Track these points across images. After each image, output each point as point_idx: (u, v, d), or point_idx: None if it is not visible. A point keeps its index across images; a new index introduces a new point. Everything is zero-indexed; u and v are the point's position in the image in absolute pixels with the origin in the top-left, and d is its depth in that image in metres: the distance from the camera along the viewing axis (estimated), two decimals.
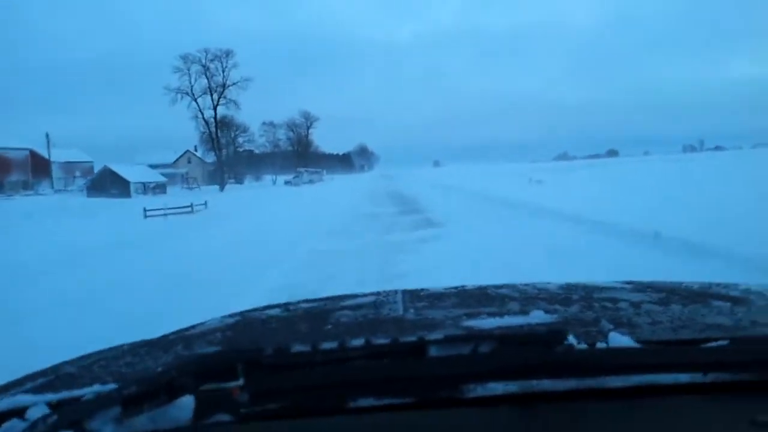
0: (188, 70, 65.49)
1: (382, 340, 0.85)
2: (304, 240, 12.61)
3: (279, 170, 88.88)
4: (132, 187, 53.39)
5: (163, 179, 60.07)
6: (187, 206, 26.60)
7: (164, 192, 57.07)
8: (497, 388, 0.84)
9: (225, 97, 67.65)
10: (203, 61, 66.22)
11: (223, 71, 67.41)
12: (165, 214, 24.73)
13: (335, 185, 58.42)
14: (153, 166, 72.43)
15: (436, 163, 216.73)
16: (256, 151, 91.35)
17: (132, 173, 55.20)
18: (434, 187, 39.68)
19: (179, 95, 64.91)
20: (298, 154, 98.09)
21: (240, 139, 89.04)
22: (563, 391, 0.83)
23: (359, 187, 49.33)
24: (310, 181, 72.84)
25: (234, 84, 67.42)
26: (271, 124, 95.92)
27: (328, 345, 0.83)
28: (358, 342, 0.84)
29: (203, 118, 67.42)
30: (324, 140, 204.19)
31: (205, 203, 28.81)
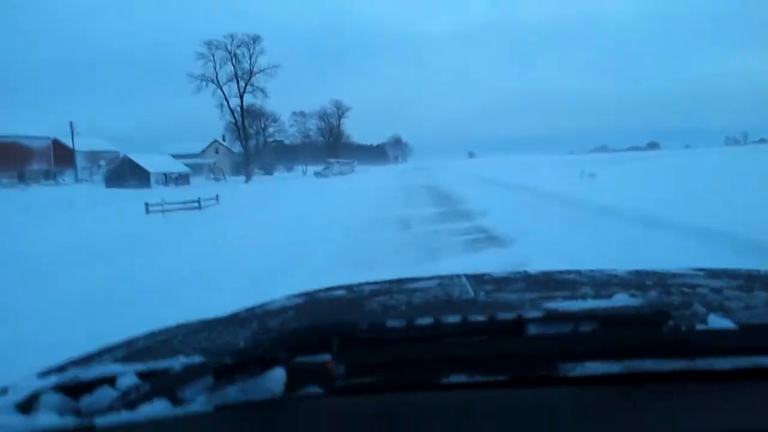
0: (213, 56, 62.35)
1: (479, 317, 0.84)
2: (310, 259, 8.86)
3: (310, 161, 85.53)
4: (152, 178, 50.53)
5: (186, 169, 57.07)
6: (194, 201, 23.20)
7: (187, 183, 54.28)
8: (598, 367, 0.81)
9: (252, 85, 64.55)
10: (229, 47, 63.02)
11: (250, 57, 64.24)
12: (164, 211, 21.38)
13: (367, 177, 54.64)
14: (179, 156, 69.89)
15: (471, 155, 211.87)
16: (287, 142, 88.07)
17: (153, 163, 52.34)
18: (476, 180, 35.70)
19: (204, 82, 61.89)
20: (329, 145, 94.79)
21: (270, 129, 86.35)
22: (670, 372, 0.81)
23: (392, 180, 45.49)
24: (341, 173, 69.27)
25: (261, 71, 64.17)
26: (302, 114, 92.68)
27: (423, 321, 0.83)
28: (454, 318, 0.83)
29: (229, 106, 64.17)
30: (358, 132, 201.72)
31: (217, 197, 25.38)
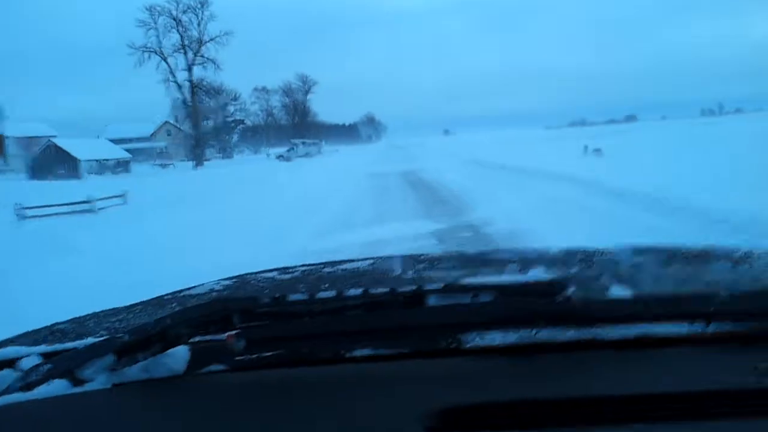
0: (155, 23, 54.35)
1: (379, 290, 0.85)
2: None
3: (276, 142, 78.39)
4: (83, 167, 43.40)
5: (126, 155, 49.92)
6: (84, 202, 16.77)
7: (127, 171, 47.40)
8: (496, 338, 0.83)
9: (202, 56, 56.48)
10: (174, 12, 55.06)
11: (199, 25, 56.26)
12: (44, 215, 15.06)
13: (335, 160, 48.34)
14: (127, 141, 62.49)
15: (446, 132, 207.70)
16: (248, 122, 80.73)
17: (84, 149, 45.02)
18: (463, 162, 29.62)
19: (147, 54, 53.74)
20: (295, 124, 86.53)
21: (231, 108, 79.08)
22: (562, 342, 0.83)
23: (363, 162, 39.28)
24: (307, 155, 62.53)
25: (212, 40, 56.22)
26: (264, 90, 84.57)
27: (325, 294, 0.84)
28: (355, 292, 0.84)
29: (175, 81, 56.01)
30: (330, 111, 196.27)
31: (124, 195, 18.89)
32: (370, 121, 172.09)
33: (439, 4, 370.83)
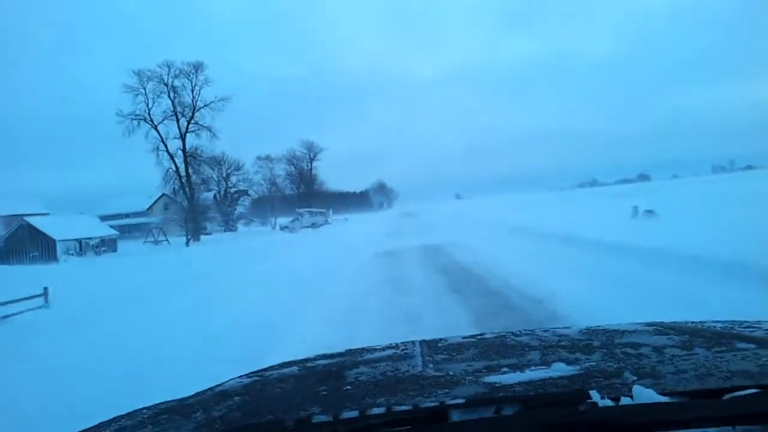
0: (144, 89, 50.18)
1: (403, 407, 0.87)
2: None
3: (283, 211, 73.88)
4: (59, 247, 38.65)
5: (112, 233, 44.81)
6: None
7: (113, 250, 42.46)
8: None
9: (196, 123, 52.50)
10: (165, 78, 50.89)
11: (192, 90, 52.26)
12: None
13: (342, 231, 43.59)
14: (121, 216, 58.01)
15: (458, 196, 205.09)
16: (251, 192, 76.46)
17: (62, 228, 40.02)
18: (494, 230, 24.85)
19: (136, 122, 49.53)
20: (301, 193, 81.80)
21: (233, 178, 75.13)
22: None
23: (373, 233, 34.51)
24: (313, 225, 57.92)
25: (206, 106, 52.18)
26: (267, 159, 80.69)
27: (348, 414, 0.85)
28: (378, 410, 0.86)
29: (167, 150, 51.40)
30: (340, 179, 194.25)
31: (45, 295, 13.77)
32: (381, 188, 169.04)
33: (448, 71, 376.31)
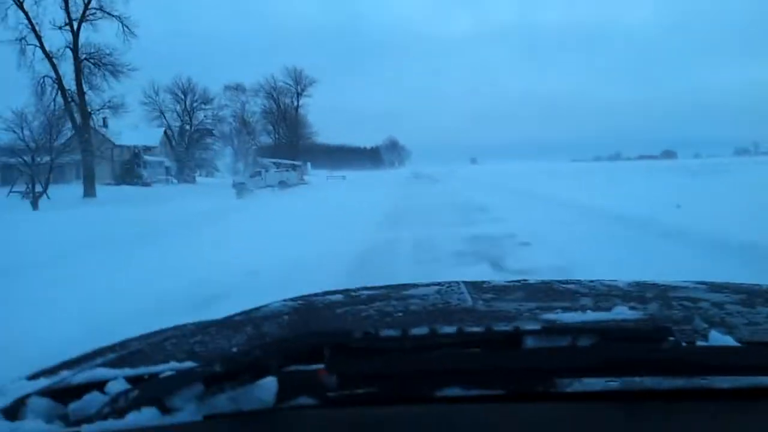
0: None
1: (475, 328, 0.82)
2: None
3: (259, 159, 56.60)
4: None
5: None
6: None
7: None
8: (597, 384, 0.80)
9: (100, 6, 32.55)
10: None
11: None
12: None
13: (324, 196, 26.56)
14: None
15: (473, 161, 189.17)
16: (217, 132, 58.76)
17: None
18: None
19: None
20: (278, 139, 60.95)
21: (200, 114, 57.90)
22: (670, 390, 0.80)
23: (369, 202, 19.58)
24: (281, 184, 41.01)
25: None
26: (238, 89, 61.38)
27: (418, 331, 0.81)
28: (450, 329, 0.81)
29: (41, 45, 31.55)
30: (352, 135, 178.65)
31: None
32: (393, 146, 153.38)
33: (478, 32, 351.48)
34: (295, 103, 63.03)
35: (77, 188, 33.86)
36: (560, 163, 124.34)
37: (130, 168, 47.85)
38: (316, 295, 1.58)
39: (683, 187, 21.52)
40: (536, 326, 0.81)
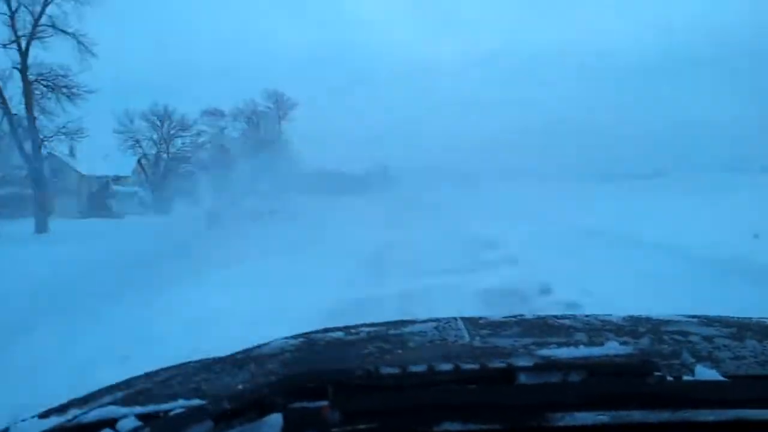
0: None
1: (471, 365, 0.86)
2: None
3: (239, 188, 53.02)
4: None
5: None
6: None
7: None
8: (587, 418, 0.83)
9: (51, 24, 28.55)
10: None
11: None
12: None
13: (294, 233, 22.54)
14: None
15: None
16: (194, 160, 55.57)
17: None
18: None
19: None
20: (259, 162, 57.77)
21: (178, 141, 54.85)
22: (656, 423, 0.83)
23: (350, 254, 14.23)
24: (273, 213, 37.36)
25: None
26: (217, 114, 57.99)
27: (417, 368, 0.85)
28: (447, 366, 0.85)
29: None
30: (337, 159, 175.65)
31: None
32: (382, 172, 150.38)
33: (466, 59, 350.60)
34: (277, 128, 60.09)
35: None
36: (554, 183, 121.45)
37: (99, 199, 44.48)
38: (316, 332, 1.60)
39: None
40: (529, 363, 0.85)
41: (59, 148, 37.12)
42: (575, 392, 0.82)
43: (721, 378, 0.91)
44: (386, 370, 0.84)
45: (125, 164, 51.04)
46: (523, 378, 0.83)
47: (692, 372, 0.93)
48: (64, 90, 29.81)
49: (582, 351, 1.01)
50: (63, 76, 29.73)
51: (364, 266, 11.22)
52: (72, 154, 43.60)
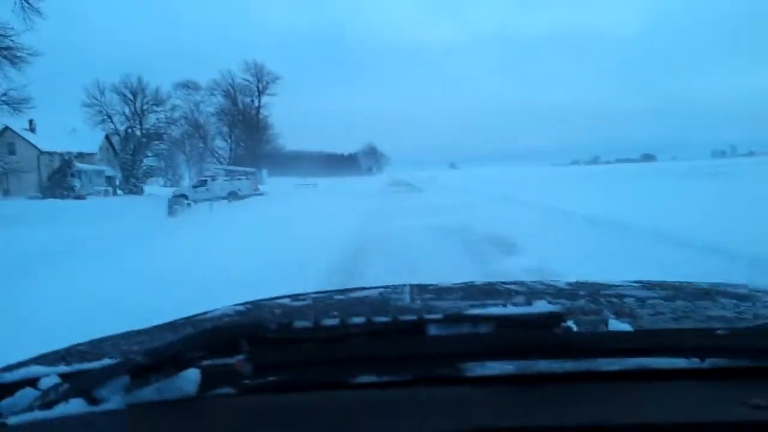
0: None
1: (382, 319, 0.88)
2: None
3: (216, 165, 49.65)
4: None
5: None
6: None
7: None
8: (495, 367, 0.86)
9: None
10: None
11: None
12: None
13: (288, 208, 20.57)
14: None
15: (452, 166, 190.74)
16: (175, 133, 51.94)
17: None
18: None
19: None
20: (237, 144, 52.96)
21: (152, 117, 51.24)
22: (560, 373, 0.86)
23: (338, 231, 12.45)
24: (232, 195, 34.53)
25: None
26: (191, 87, 53.46)
27: (329, 322, 0.87)
28: (358, 320, 0.86)
29: None
30: (330, 141, 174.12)
31: None
32: (372, 152, 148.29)
33: (459, 40, 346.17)
34: (256, 103, 55.90)
35: None
36: (539, 167, 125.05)
37: (61, 178, 40.62)
38: (264, 299, 1.60)
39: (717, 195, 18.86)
40: (439, 315, 0.86)
41: (17, 122, 33.38)
42: (483, 343, 0.84)
43: (628, 329, 0.93)
44: (299, 324, 0.84)
45: (93, 141, 47.26)
46: (433, 330, 0.84)
47: (606, 326, 0.94)
48: (4, 52, 26.13)
49: (508, 309, 0.99)
50: (2, 35, 25.94)
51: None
52: (31, 129, 39.83)
